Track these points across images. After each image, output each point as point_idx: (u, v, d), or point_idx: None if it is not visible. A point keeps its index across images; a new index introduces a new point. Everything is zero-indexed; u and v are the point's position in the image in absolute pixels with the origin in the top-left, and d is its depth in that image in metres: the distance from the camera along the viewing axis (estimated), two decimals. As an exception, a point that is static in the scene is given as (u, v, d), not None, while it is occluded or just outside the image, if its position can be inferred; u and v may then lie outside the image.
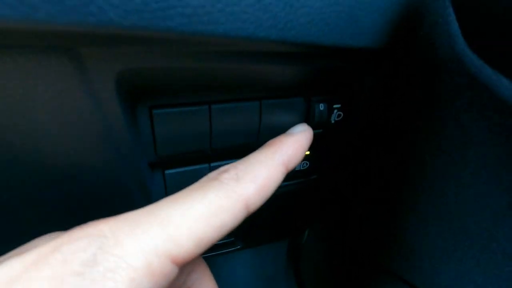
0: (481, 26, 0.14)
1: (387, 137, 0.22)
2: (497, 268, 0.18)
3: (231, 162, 0.16)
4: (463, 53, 0.15)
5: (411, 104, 0.19)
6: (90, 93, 0.13)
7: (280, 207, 0.30)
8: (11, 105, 0.13)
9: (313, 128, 0.20)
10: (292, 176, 0.26)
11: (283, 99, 0.20)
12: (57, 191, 0.17)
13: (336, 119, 0.23)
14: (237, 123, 0.20)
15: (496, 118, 0.14)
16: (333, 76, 0.21)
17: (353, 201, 0.30)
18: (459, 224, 0.19)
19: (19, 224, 0.18)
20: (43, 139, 0.14)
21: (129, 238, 0.11)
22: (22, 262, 0.10)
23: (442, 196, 0.19)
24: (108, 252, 0.10)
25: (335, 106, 0.23)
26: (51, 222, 0.18)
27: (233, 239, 0.35)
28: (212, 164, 0.21)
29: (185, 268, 0.16)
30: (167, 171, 0.20)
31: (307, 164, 0.26)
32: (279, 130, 0.20)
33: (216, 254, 0.36)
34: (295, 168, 0.18)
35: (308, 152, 0.25)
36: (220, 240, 0.30)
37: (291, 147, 0.17)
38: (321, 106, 0.22)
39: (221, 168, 0.15)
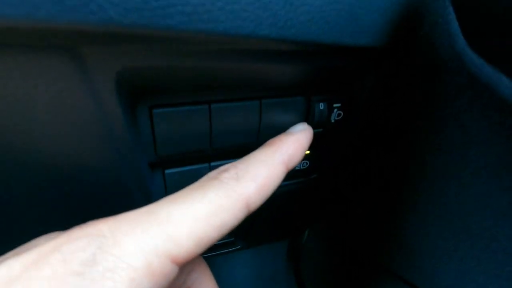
0: (481, 25, 0.14)
1: (387, 136, 0.22)
2: (498, 268, 0.18)
3: (231, 162, 0.16)
4: (463, 52, 0.15)
5: (411, 104, 0.19)
6: (90, 93, 0.13)
7: (280, 207, 0.30)
8: (11, 104, 0.13)
9: (313, 127, 0.20)
10: (292, 175, 0.26)
11: (283, 98, 0.20)
12: (56, 190, 0.17)
13: (336, 118, 0.23)
14: (237, 122, 0.19)
15: (496, 117, 0.14)
16: (333, 75, 0.21)
17: (353, 201, 0.30)
18: (459, 224, 0.19)
19: (19, 224, 0.18)
20: (43, 138, 0.14)
21: (128, 238, 0.11)
22: (21, 261, 0.10)
23: (443, 196, 0.19)
24: (107, 252, 0.10)
25: (335, 105, 0.23)
26: (51, 222, 0.18)
27: (233, 239, 0.35)
28: (212, 164, 0.21)
29: (185, 267, 0.16)
30: (167, 171, 0.20)
31: (307, 163, 0.26)
32: (279, 129, 0.20)
33: (216, 254, 0.36)
34: (295, 167, 0.18)
35: (308, 152, 0.25)
36: (220, 240, 0.30)
37: (291, 146, 0.17)
38: (321, 106, 0.22)
39: (221, 168, 0.15)
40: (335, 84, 0.22)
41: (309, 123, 0.21)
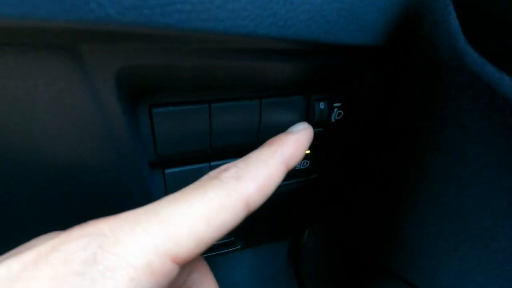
0: (482, 24, 0.14)
1: (387, 136, 0.22)
2: (498, 268, 0.18)
3: (231, 161, 0.16)
4: (464, 51, 0.15)
5: (411, 104, 0.19)
6: (90, 93, 0.13)
7: (280, 207, 0.30)
8: (11, 104, 0.13)
9: (313, 127, 0.20)
10: (292, 175, 0.26)
11: (283, 97, 0.20)
12: (57, 190, 0.17)
13: (336, 118, 0.23)
14: (237, 121, 0.19)
15: (496, 117, 0.14)
16: (333, 75, 0.21)
17: (353, 201, 0.30)
18: (459, 224, 0.19)
19: (19, 224, 0.18)
20: (43, 138, 0.14)
21: (129, 237, 0.11)
22: (21, 261, 0.10)
23: (443, 196, 0.19)
24: (108, 251, 0.10)
25: (335, 104, 0.23)
26: (51, 222, 0.18)
27: (233, 239, 0.35)
28: (212, 163, 0.21)
29: (185, 267, 0.16)
30: (167, 170, 0.20)
31: (307, 163, 0.26)
32: (279, 128, 0.20)
33: (216, 254, 0.36)
34: (295, 167, 0.18)
35: (308, 151, 0.25)
36: (220, 240, 0.30)
37: (291, 146, 0.17)
38: (321, 105, 0.22)
39: (222, 167, 0.15)
40: (334, 83, 0.22)
41: (310, 122, 0.21)
